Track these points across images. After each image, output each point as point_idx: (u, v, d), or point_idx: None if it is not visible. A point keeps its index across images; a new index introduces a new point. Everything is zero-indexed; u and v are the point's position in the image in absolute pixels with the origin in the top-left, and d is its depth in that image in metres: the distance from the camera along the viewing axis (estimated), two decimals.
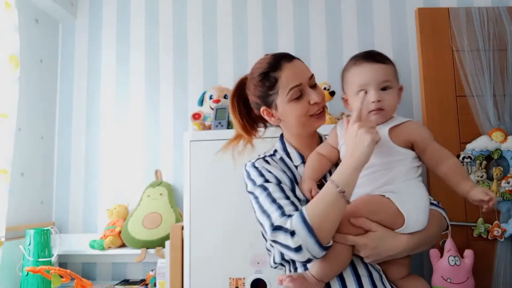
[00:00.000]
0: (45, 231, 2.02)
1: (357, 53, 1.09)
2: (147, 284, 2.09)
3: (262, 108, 1.12)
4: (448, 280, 1.77)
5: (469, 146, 1.92)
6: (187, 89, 2.41)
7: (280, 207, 0.95)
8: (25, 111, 2.20)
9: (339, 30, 2.35)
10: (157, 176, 2.32)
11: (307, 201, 1.00)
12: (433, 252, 1.84)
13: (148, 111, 2.43)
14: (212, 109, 2.00)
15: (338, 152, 1.08)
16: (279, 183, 1.02)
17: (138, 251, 2.11)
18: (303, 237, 0.88)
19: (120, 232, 2.16)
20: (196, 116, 2.02)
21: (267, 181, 1.03)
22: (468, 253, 1.81)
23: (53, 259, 2.02)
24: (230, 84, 2.30)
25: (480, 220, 1.88)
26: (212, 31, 2.44)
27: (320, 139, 1.18)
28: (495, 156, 1.91)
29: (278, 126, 1.17)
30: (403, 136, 0.99)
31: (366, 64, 1.04)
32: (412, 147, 1.01)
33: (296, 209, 0.95)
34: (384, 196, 0.96)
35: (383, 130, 0.99)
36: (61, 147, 2.47)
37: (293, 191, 1.03)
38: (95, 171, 2.42)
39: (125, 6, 2.53)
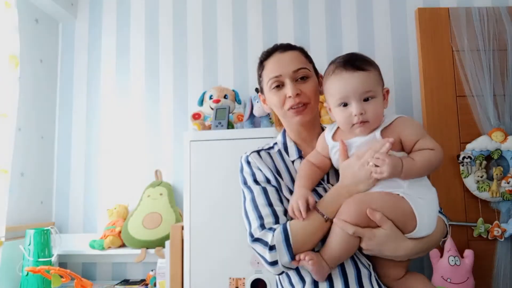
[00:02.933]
0: (45, 231, 2.02)
1: (337, 56, 1.01)
2: (147, 284, 2.09)
3: (259, 94, 1.18)
4: (448, 280, 1.77)
5: (469, 146, 1.93)
6: (187, 89, 2.41)
7: (260, 217, 0.99)
8: (25, 111, 2.20)
9: (339, 30, 2.35)
10: (157, 176, 2.32)
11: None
12: (433, 252, 1.84)
13: (148, 111, 2.43)
14: (212, 109, 2.00)
15: (329, 160, 1.03)
16: (266, 182, 1.05)
17: (138, 251, 2.11)
18: (281, 254, 0.93)
19: (120, 232, 2.16)
20: (196, 116, 2.03)
21: (255, 181, 1.05)
22: (468, 253, 1.81)
23: (53, 259, 2.02)
24: (230, 84, 2.31)
25: (480, 220, 1.88)
26: (212, 31, 2.44)
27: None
28: (495, 156, 1.91)
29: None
30: (394, 135, 0.94)
31: (345, 73, 0.94)
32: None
33: (276, 220, 0.97)
34: (399, 195, 0.92)
35: (376, 135, 0.95)
36: (61, 147, 2.47)
37: (281, 190, 1.04)
38: (95, 171, 2.42)
39: (125, 6, 2.53)
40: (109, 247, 2.13)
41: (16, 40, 1.92)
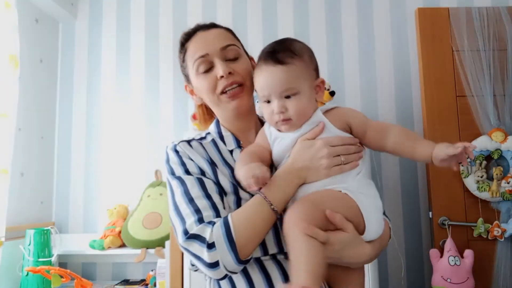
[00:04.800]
0: (45, 231, 2.02)
1: (267, 45, 0.92)
2: (147, 284, 2.09)
3: (185, 84, 1.03)
4: (448, 280, 1.77)
5: None
6: None
7: (197, 211, 0.82)
8: (25, 111, 2.20)
9: (339, 30, 2.35)
10: (157, 176, 2.32)
11: (235, 191, 0.87)
12: (433, 252, 1.84)
13: (148, 111, 2.43)
14: None
15: (270, 154, 0.91)
16: (201, 174, 0.89)
17: (138, 251, 2.11)
18: (222, 252, 0.76)
19: (120, 232, 2.16)
20: (196, 116, 2.02)
21: (187, 172, 0.90)
22: (468, 253, 1.81)
23: (53, 259, 2.02)
24: None
25: (480, 220, 1.88)
26: None
27: (261, 124, 1.02)
28: (495, 156, 1.91)
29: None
30: (341, 119, 0.88)
31: (265, 67, 0.86)
32: (350, 132, 0.89)
33: (217, 213, 0.82)
34: (346, 194, 0.81)
35: (318, 115, 0.87)
36: (61, 147, 2.46)
37: (218, 182, 0.89)
38: (95, 171, 2.41)
39: (125, 6, 2.53)
40: (109, 247, 2.13)
41: (16, 40, 1.92)
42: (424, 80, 2.03)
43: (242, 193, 0.88)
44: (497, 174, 1.88)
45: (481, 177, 1.88)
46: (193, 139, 0.98)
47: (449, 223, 1.89)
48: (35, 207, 2.27)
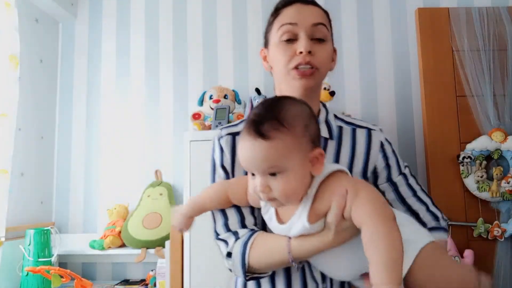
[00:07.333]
0: (45, 231, 2.02)
1: (259, 103, 0.78)
2: (147, 284, 2.09)
3: (262, 48, 1.00)
4: None
5: (469, 146, 1.93)
6: (187, 89, 2.41)
7: (225, 215, 0.87)
8: (25, 111, 2.20)
9: (339, 31, 2.35)
10: (157, 176, 2.32)
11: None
12: None
13: (148, 111, 2.43)
14: (212, 109, 2.00)
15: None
16: (232, 173, 0.90)
17: (138, 251, 2.11)
18: (235, 265, 0.84)
19: (120, 232, 2.16)
20: (196, 116, 2.03)
21: (222, 166, 0.91)
22: (468, 253, 1.81)
23: (53, 259, 2.02)
24: (230, 84, 2.31)
25: (480, 220, 1.88)
26: (212, 31, 2.44)
27: (325, 109, 0.96)
28: (495, 156, 1.91)
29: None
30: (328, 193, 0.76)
31: (246, 138, 0.72)
32: None
33: (242, 219, 0.86)
34: None
35: (317, 181, 0.76)
36: (61, 147, 2.46)
37: None
38: (95, 171, 2.41)
39: (125, 6, 2.53)
40: (109, 247, 2.13)
41: (16, 40, 1.92)
42: (424, 80, 2.03)
43: None
44: (497, 174, 1.88)
45: (481, 177, 1.88)
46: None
47: (449, 223, 1.89)
48: (35, 207, 2.27)
